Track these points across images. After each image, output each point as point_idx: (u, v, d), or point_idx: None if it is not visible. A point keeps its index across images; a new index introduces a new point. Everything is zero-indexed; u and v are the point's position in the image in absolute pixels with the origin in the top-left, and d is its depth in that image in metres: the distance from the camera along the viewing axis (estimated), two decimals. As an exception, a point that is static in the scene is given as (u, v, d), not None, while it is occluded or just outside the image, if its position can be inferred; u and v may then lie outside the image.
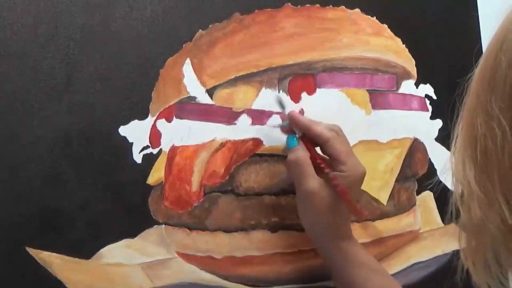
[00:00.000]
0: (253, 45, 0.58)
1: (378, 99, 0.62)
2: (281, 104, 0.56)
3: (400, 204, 0.63)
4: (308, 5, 0.61)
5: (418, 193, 0.65)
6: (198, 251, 0.56)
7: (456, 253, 0.65)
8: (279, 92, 0.59)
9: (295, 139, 0.55)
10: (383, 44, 0.63)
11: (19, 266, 0.51)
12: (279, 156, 0.57)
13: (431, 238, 0.65)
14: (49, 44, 0.53)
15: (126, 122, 0.55)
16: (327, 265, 0.55)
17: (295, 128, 0.55)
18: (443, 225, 0.65)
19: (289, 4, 0.60)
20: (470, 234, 0.36)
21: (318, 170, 0.53)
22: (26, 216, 0.52)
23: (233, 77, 0.58)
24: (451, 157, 0.37)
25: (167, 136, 0.56)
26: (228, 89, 0.58)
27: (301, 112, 0.59)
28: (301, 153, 0.53)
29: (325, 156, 0.55)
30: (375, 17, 0.64)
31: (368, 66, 0.62)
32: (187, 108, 0.57)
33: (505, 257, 0.35)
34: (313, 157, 0.54)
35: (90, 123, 0.54)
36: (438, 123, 0.66)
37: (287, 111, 0.56)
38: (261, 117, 0.58)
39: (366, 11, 0.63)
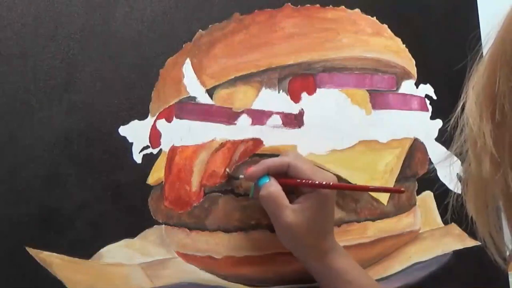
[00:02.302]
0: (253, 45, 0.58)
1: (378, 99, 0.62)
2: (235, 177, 0.56)
3: (400, 204, 0.63)
4: (308, 5, 0.61)
5: (418, 193, 0.65)
6: (198, 251, 0.56)
7: (454, 253, 0.66)
8: (279, 92, 0.59)
9: (265, 177, 0.54)
10: (383, 44, 0.63)
11: (19, 266, 0.51)
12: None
13: (431, 238, 0.65)
14: (49, 44, 0.53)
15: (126, 122, 0.55)
16: (317, 281, 0.56)
17: (259, 176, 0.55)
18: (443, 225, 0.65)
19: (289, 4, 0.60)
20: (476, 185, 0.36)
21: (299, 192, 0.54)
22: (26, 216, 0.52)
23: (233, 77, 0.58)
24: (468, 99, 0.36)
25: (167, 136, 0.56)
26: (228, 89, 0.58)
27: (301, 112, 0.59)
28: (272, 187, 0.53)
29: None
30: (375, 17, 0.64)
31: (368, 66, 0.62)
32: (187, 108, 0.57)
33: (506, 220, 0.34)
34: (292, 182, 0.54)
35: (90, 123, 0.54)
36: (438, 123, 0.66)
37: (242, 177, 0.56)
38: (261, 117, 0.58)
39: (366, 11, 0.63)
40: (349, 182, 0.59)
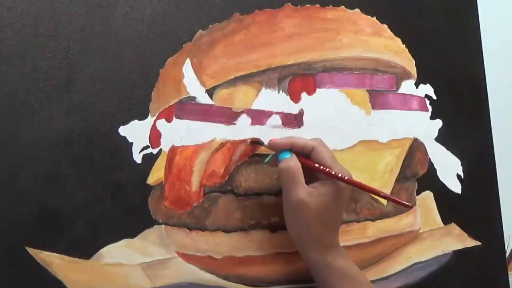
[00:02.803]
0: (253, 45, 0.58)
1: (378, 99, 0.62)
2: (258, 142, 0.57)
3: (400, 204, 0.63)
4: (308, 5, 0.61)
5: (418, 193, 0.65)
6: (198, 251, 0.56)
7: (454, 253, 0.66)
8: (278, 92, 0.59)
9: (287, 152, 0.54)
10: (383, 44, 0.63)
11: (19, 266, 0.51)
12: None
13: (431, 238, 0.65)
14: (49, 44, 0.54)
15: (126, 122, 0.55)
16: (314, 276, 0.55)
17: (281, 148, 0.55)
18: (443, 225, 0.65)
19: (289, 4, 0.61)
20: None
21: (315, 178, 0.54)
22: (26, 216, 0.52)
23: (232, 77, 0.58)
24: None
25: (167, 136, 0.56)
26: (228, 89, 0.58)
27: (301, 112, 0.59)
28: (292, 162, 0.53)
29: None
30: (375, 17, 0.64)
31: (368, 66, 0.62)
32: (187, 108, 0.57)
33: None
34: (312, 165, 0.54)
35: (90, 123, 0.54)
36: (438, 123, 0.66)
37: (266, 142, 0.56)
38: (261, 117, 0.58)
39: (366, 11, 0.63)
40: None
